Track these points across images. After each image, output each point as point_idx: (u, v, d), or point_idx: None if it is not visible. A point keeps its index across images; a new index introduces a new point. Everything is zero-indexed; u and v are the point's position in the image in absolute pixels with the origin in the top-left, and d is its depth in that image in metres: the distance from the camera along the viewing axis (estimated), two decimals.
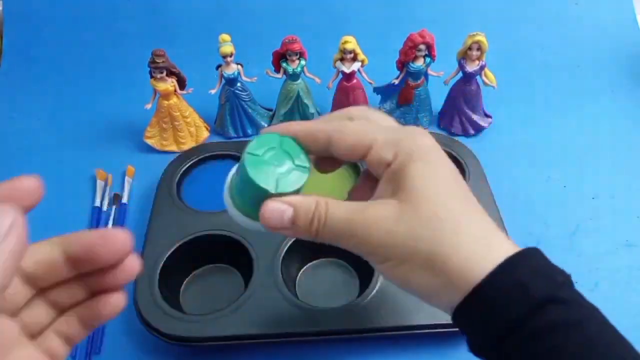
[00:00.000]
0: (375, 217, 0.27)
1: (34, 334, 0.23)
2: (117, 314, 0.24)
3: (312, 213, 0.28)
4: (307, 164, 0.29)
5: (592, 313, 0.25)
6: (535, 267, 0.26)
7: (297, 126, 0.30)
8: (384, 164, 0.28)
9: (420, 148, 0.28)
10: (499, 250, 0.26)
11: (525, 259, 0.26)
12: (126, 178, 0.55)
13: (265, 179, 0.28)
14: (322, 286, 0.45)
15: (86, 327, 0.24)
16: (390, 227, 0.27)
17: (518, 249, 0.26)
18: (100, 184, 0.54)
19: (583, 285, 0.44)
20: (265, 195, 0.28)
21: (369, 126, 0.29)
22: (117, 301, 0.24)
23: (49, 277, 0.22)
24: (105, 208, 0.53)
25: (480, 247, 0.26)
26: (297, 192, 0.29)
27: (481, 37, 0.53)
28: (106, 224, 0.51)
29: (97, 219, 0.51)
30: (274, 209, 0.28)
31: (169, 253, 0.44)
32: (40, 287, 0.23)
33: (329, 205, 0.28)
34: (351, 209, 0.28)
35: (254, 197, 0.28)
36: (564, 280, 0.26)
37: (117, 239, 0.22)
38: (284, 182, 0.28)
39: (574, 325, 0.24)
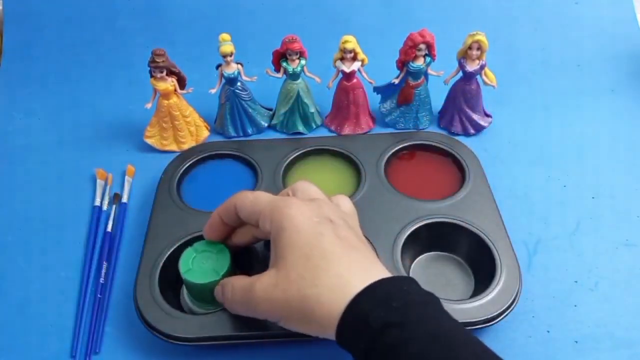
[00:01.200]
0: (259, 290, 0.34)
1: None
2: None
3: (227, 291, 0.37)
4: (222, 245, 0.40)
5: (424, 329, 0.29)
6: (376, 297, 0.30)
7: (217, 210, 0.39)
8: (267, 232, 0.35)
9: (286, 218, 0.34)
10: (353, 289, 0.31)
11: (371, 291, 0.31)
12: (126, 177, 0.55)
13: (207, 277, 0.39)
14: None
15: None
16: (270, 296, 0.33)
17: (371, 281, 0.31)
18: (100, 183, 0.54)
19: (583, 285, 0.45)
20: (215, 283, 0.38)
21: (263, 198, 0.36)
22: None
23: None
24: (105, 207, 0.53)
25: (336, 294, 0.31)
26: (230, 267, 0.39)
27: (481, 37, 0.53)
28: (106, 223, 0.51)
29: (97, 219, 0.51)
30: (216, 290, 0.39)
31: (169, 253, 0.44)
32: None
33: (233, 285, 0.36)
34: (245, 286, 0.35)
35: (210, 290, 0.39)
36: (397, 305, 0.30)
37: None
38: (219, 267, 0.39)
39: (404, 343, 0.29)
